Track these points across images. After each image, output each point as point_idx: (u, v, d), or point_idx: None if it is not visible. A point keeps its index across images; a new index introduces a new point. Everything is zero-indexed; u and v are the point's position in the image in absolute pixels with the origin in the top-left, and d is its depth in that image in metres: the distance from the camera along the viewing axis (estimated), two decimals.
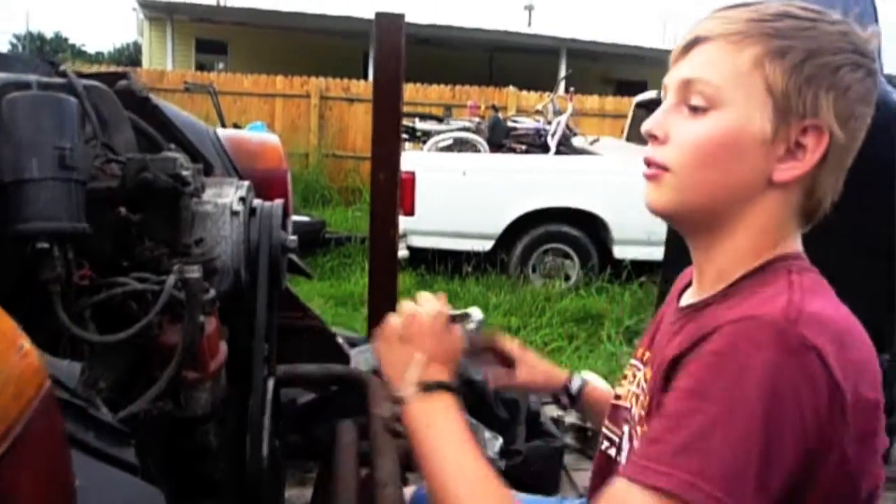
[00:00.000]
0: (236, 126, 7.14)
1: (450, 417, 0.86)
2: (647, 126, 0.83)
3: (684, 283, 0.96)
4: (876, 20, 1.86)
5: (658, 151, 0.82)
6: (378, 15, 2.34)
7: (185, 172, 1.04)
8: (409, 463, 1.36)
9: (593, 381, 1.19)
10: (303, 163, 9.83)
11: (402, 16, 2.32)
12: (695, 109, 0.79)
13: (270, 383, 1.18)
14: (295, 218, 6.98)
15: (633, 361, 0.97)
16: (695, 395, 0.68)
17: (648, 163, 0.83)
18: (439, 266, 5.93)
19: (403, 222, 5.96)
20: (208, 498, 1.04)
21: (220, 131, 1.83)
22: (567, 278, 6.03)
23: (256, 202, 1.23)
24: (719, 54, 0.79)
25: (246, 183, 1.24)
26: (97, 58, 30.87)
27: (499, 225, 5.78)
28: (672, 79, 0.83)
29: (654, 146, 0.83)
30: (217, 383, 1.03)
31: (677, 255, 1.01)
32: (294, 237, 1.24)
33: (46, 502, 0.44)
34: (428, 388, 0.89)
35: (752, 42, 0.77)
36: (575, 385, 1.17)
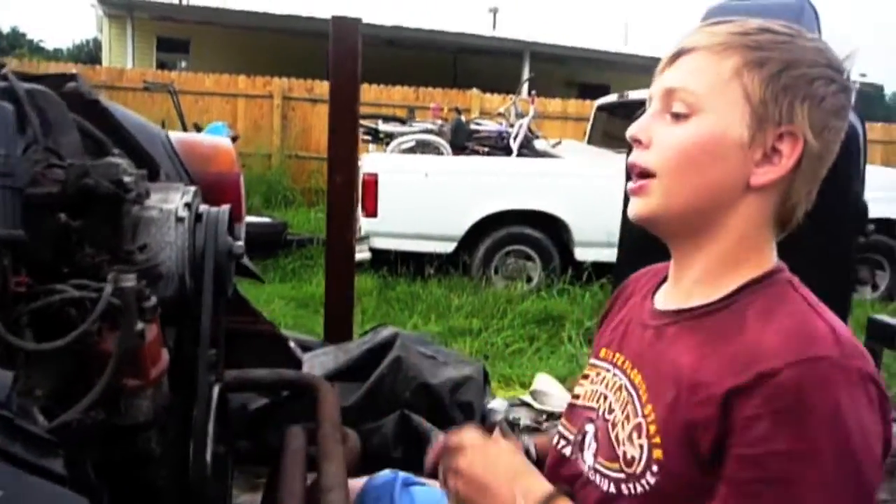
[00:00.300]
0: (197, 126, 7.05)
1: None
2: (631, 131, 0.86)
3: (648, 283, 0.98)
4: (818, 33, 1.90)
5: (641, 156, 0.85)
6: (334, 19, 2.34)
7: (127, 178, 1.04)
8: (355, 468, 1.37)
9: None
10: (265, 164, 9.77)
11: (358, 20, 2.33)
12: (677, 116, 0.84)
13: (216, 389, 1.18)
14: (257, 219, 6.96)
15: (595, 362, 0.98)
16: (793, 458, 0.70)
17: (632, 167, 0.86)
18: (402, 268, 5.94)
19: (366, 224, 5.99)
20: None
21: (172, 134, 1.82)
22: (529, 280, 6.08)
23: (203, 207, 1.22)
24: (702, 64, 0.83)
25: (192, 188, 1.24)
26: (56, 54, 30.26)
27: (461, 227, 5.81)
28: (656, 88, 0.87)
29: (637, 150, 0.86)
30: (159, 390, 1.03)
31: (630, 256, 1.04)
32: (241, 243, 1.24)
33: None
34: None
35: (733, 53, 0.82)
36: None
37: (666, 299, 0.91)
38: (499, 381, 4.02)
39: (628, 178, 0.89)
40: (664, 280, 0.96)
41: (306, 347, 2.52)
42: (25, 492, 0.57)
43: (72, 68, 10.43)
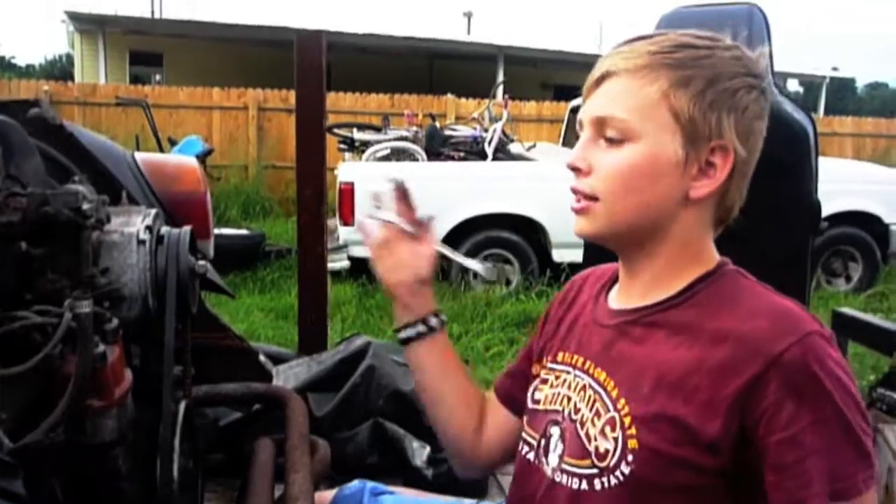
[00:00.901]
0: (171, 140, 7.05)
1: (423, 368, 1.07)
2: (570, 161, 0.90)
3: (595, 284, 1.01)
4: (768, 37, 1.96)
5: (583, 182, 0.89)
6: (298, 33, 2.38)
7: (86, 205, 1.07)
8: (325, 477, 1.41)
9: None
10: (242, 175, 9.75)
11: (321, 33, 2.37)
12: (611, 141, 0.87)
13: (182, 405, 1.21)
14: (234, 231, 6.95)
15: (553, 366, 0.98)
16: (822, 426, 0.77)
17: (575, 192, 0.90)
18: None
19: (344, 233, 6.02)
20: None
21: (139, 155, 1.85)
22: (508, 283, 6.14)
23: (164, 229, 1.26)
24: (626, 89, 0.87)
25: (153, 211, 1.27)
26: (28, 70, 30.02)
27: (438, 232, 5.80)
28: (586, 114, 0.90)
29: (578, 178, 0.90)
30: (123, 409, 1.06)
31: (596, 257, 1.07)
32: (203, 262, 1.27)
33: None
34: (402, 342, 1.07)
35: (657, 74, 0.86)
36: (443, 314, 1.08)
37: (620, 300, 0.95)
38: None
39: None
40: (613, 281, 0.99)
41: (281, 359, 2.55)
42: None
43: (44, 85, 10.38)
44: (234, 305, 5.57)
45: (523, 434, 0.99)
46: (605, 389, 0.88)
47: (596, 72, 0.90)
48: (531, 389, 1.01)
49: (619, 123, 0.86)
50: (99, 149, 1.68)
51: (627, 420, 0.84)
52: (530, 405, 1.00)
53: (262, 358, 1.77)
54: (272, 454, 1.35)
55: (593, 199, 0.88)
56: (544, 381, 0.99)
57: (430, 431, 2.23)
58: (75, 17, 13.65)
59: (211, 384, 1.59)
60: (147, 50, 14.96)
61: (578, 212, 0.90)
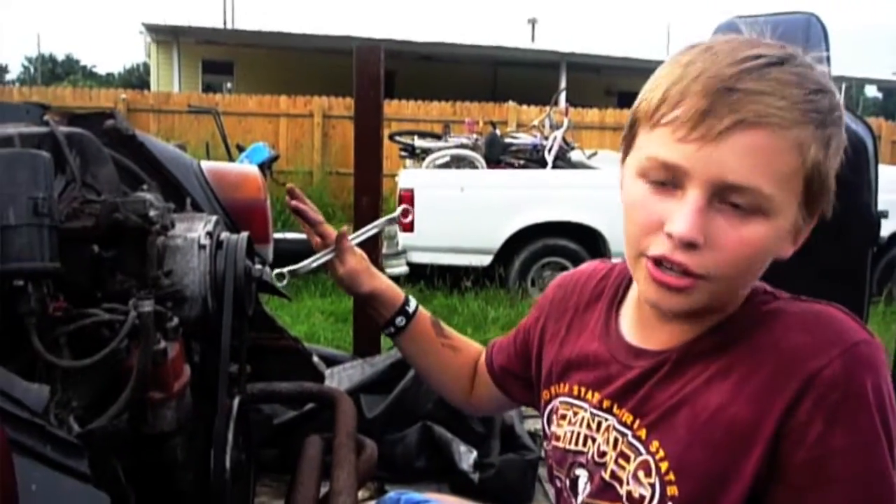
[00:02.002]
0: (240, 147, 7.28)
1: (406, 354, 1.19)
2: (687, 233, 0.71)
3: (605, 295, 0.93)
4: (827, 47, 1.94)
5: (694, 258, 0.72)
6: (357, 46, 2.46)
7: (153, 212, 1.16)
8: (366, 476, 1.47)
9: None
10: (307, 181, 9.99)
11: (380, 46, 2.44)
12: (739, 211, 0.72)
13: (236, 401, 1.29)
14: (297, 236, 7.15)
15: (569, 400, 0.92)
16: (852, 451, 0.69)
17: (679, 266, 0.73)
18: (439, 281, 6.04)
19: (403, 238, 6.10)
20: None
21: (204, 164, 1.95)
22: None
23: (224, 235, 1.34)
24: (773, 151, 0.70)
25: (214, 217, 1.35)
26: (108, 79, 31.25)
27: (497, 240, 5.88)
28: (706, 171, 0.70)
29: (685, 251, 0.72)
30: (182, 402, 1.14)
31: None
32: (259, 266, 1.35)
33: None
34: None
35: (804, 135, 0.71)
36: (412, 305, 1.17)
37: (641, 337, 0.86)
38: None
39: (658, 263, 0.75)
40: (618, 296, 0.92)
41: (336, 361, 2.63)
42: (54, 487, 0.69)
43: (122, 93, 10.84)
44: (295, 308, 5.72)
45: (550, 463, 0.95)
46: (631, 430, 0.82)
47: (720, 114, 0.69)
48: (547, 417, 0.97)
49: (756, 198, 0.70)
50: (168, 158, 1.78)
51: (664, 465, 0.77)
52: (551, 440, 0.94)
53: (315, 359, 1.85)
54: (321, 451, 1.42)
55: (701, 277, 0.73)
56: (563, 417, 0.92)
57: (477, 436, 2.28)
58: (152, 29, 14.24)
59: (266, 382, 1.67)
60: (219, 59, 15.48)
61: (675, 288, 0.74)
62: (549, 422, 0.96)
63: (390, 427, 2.25)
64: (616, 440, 0.83)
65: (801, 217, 0.75)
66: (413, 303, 1.17)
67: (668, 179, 0.73)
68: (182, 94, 11.33)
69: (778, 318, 0.76)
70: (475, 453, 2.17)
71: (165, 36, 14.27)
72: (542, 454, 2.46)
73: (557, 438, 0.92)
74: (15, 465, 0.62)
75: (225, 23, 15.89)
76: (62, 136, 1.25)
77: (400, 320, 1.16)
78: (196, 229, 1.30)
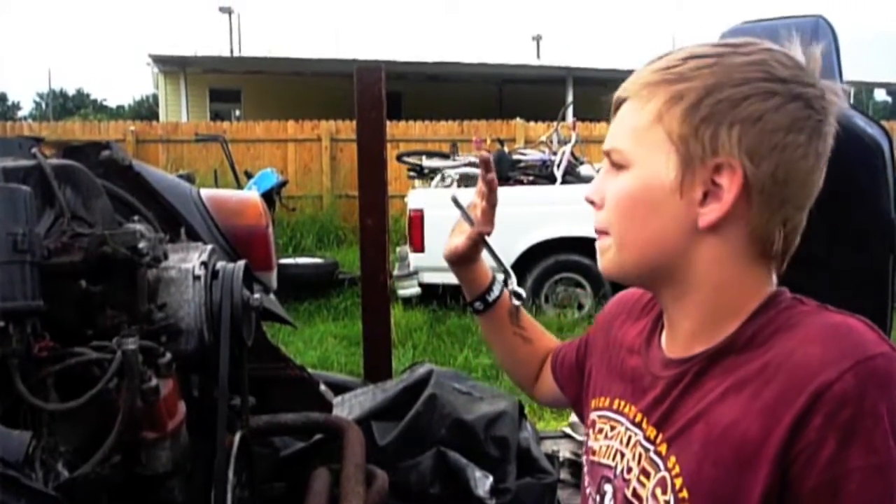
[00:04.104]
0: (248, 174, 7.28)
1: (485, 331, 1.18)
2: (586, 193, 0.85)
3: (644, 315, 0.93)
4: (836, 49, 1.88)
5: (596, 216, 0.83)
6: (358, 67, 2.43)
7: (142, 244, 1.11)
8: None
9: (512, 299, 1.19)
10: (317, 205, 9.99)
11: (380, 67, 2.41)
12: (615, 170, 0.81)
13: (238, 436, 1.24)
14: (308, 260, 7.10)
15: (609, 414, 0.91)
16: (869, 473, 0.65)
17: (595, 229, 0.84)
18: (451, 301, 5.99)
19: (414, 259, 6.07)
20: None
21: (203, 191, 1.91)
22: (580, 307, 6.06)
23: (220, 264, 1.29)
24: (629, 116, 0.80)
25: (209, 247, 1.31)
26: (118, 111, 31.59)
27: (509, 257, 5.83)
28: (605, 144, 0.83)
29: (595, 212, 0.83)
30: (177, 440, 1.09)
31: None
32: (258, 296, 1.30)
33: None
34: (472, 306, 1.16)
35: (655, 93, 0.77)
36: (494, 293, 1.16)
37: (668, 348, 0.85)
38: (551, 412, 4.00)
39: None
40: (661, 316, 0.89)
41: (347, 388, 2.57)
42: None
43: (130, 125, 10.91)
44: (308, 333, 5.68)
45: (585, 478, 0.94)
46: (654, 445, 0.80)
47: (615, 97, 0.83)
48: (588, 434, 0.96)
49: (618, 155, 0.80)
50: (165, 187, 1.75)
51: (679, 482, 0.75)
52: (589, 455, 0.93)
53: (322, 388, 1.79)
54: (328, 484, 1.36)
55: (605, 233, 0.82)
56: (600, 431, 0.91)
57: (493, 461, 2.21)
58: (159, 60, 14.36)
59: (271, 414, 1.61)
60: (226, 87, 15.60)
61: (599, 251, 0.84)
62: (588, 440, 0.96)
63: (403, 454, 2.18)
64: (640, 456, 0.81)
65: (683, 173, 0.75)
66: (497, 289, 1.17)
67: None
68: (190, 124, 11.40)
69: (797, 329, 0.73)
70: (491, 479, 2.10)
71: (172, 66, 14.39)
72: (559, 477, 2.38)
73: (593, 452, 0.91)
74: None
75: (231, 51, 16.01)
76: (50, 168, 1.21)
77: (478, 305, 1.17)
78: (190, 259, 1.25)
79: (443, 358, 5.11)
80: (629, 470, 0.82)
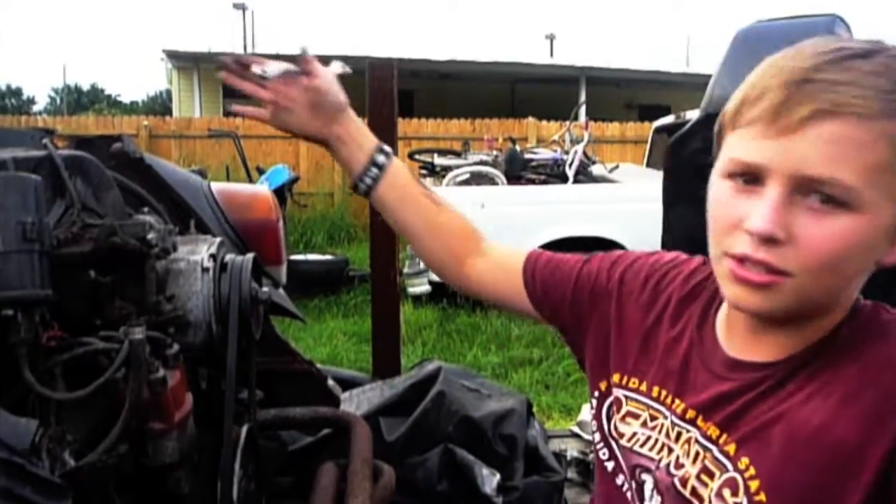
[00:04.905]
0: (259, 169, 7.30)
1: (386, 207, 1.04)
2: (764, 228, 0.68)
3: (696, 295, 0.87)
4: None
5: (776, 254, 0.69)
6: (370, 63, 2.43)
7: (151, 235, 1.12)
8: (381, 503, 1.41)
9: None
10: (328, 202, 10.00)
11: (392, 63, 2.41)
12: (826, 205, 0.68)
13: (244, 429, 1.24)
14: (319, 257, 7.10)
15: (646, 401, 0.87)
16: None
17: (759, 264, 0.70)
18: (461, 300, 5.98)
19: None
20: None
21: (214, 185, 1.92)
22: None
23: (229, 257, 1.29)
24: (858, 142, 0.66)
25: (218, 239, 1.31)
26: (132, 107, 31.72)
27: None
28: (784, 164, 0.68)
29: (768, 247, 0.69)
30: (184, 432, 1.09)
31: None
32: (266, 289, 1.30)
33: None
34: (364, 194, 1.04)
35: (888, 122, 0.66)
36: (387, 148, 1.06)
37: (738, 348, 0.81)
38: (560, 411, 4.00)
39: (741, 263, 0.72)
40: (718, 299, 0.85)
41: (356, 383, 2.57)
42: None
43: (144, 120, 10.96)
44: (318, 329, 5.69)
45: (603, 455, 0.91)
46: (717, 445, 0.77)
47: (798, 104, 0.67)
48: (607, 409, 0.92)
49: (838, 190, 0.66)
50: (177, 180, 1.75)
51: (754, 485, 0.72)
52: (613, 434, 0.90)
53: (330, 383, 1.79)
54: (335, 478, 1.36)
55: (784, 274, 0.69)
56: (634, 416, 0.87)
57: (500, 458, 2.21)
58: (173, 55, 14.42)
59: (279, 408, 1.61)
60: None
61: (757, 285, 0.71)
62: (610, 416, 0.91)
63: (411, 450, 2.18)
64: (698, 454, 0.78)
65: None
66: (386, 147, 1.06)
67: (750, 178, 0.71)
68: (203, 119, 11.43)
69: (891, 334, 0.72)
70: (498, 476, 2.10)
71: (186, 62, 14.44)
72: (567, 476, 2.38)
73: (621, 436, 0.88)
74: None
75: (245, 47, 16.05)
76: (60, 159, 1.22)
77: (382, 158, 1.05)
78: (199, 252, 1.26)
79: (452, 355, 5.10)
80: (678, 465, 0.80)
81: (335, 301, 6.48)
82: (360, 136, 1.06)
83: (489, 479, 2.08)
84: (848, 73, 0.66)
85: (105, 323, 1.10)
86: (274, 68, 1.00)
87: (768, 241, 0.69)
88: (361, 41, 13.50)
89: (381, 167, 1.05)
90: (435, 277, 5.99)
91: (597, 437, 0.93)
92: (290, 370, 1.71)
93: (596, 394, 0.95)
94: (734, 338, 0.81)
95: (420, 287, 6.16)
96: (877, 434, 0.66)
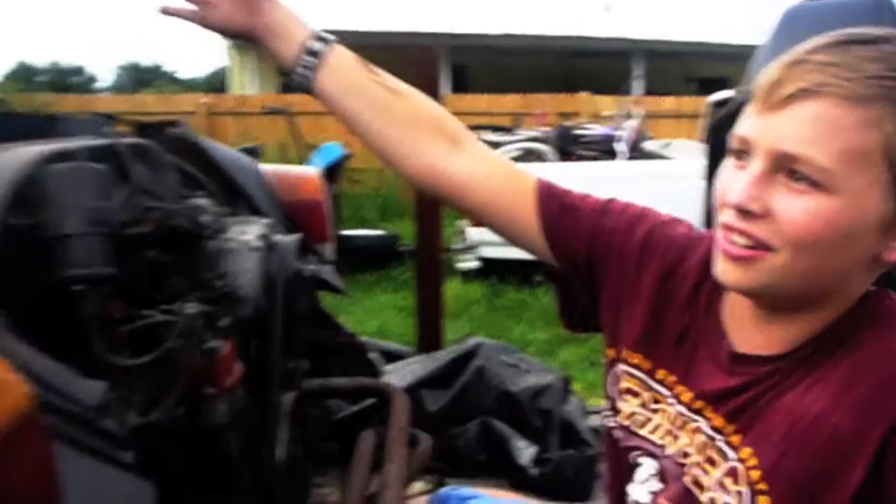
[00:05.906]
0: (311, 146, 7.45)
1: (332, 97, 0.90)
2: (738, 200, 0.70)
3: (707, 276, 0.82)
4: None
5: (757, 226, 0.70)
6: (412, 48, 2.49)
7: (205, 218, 1.22)
8: (419, 469, 1.50)
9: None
10: (380, 179, 10.11)
11: (432, 48, 2.47)
12: (800, 182, 0.68)
13: (290, 396, 1.35)
14: (369, 232, 7.22)
15: (650, 383, 0.86)
16: None
17: (742, 233, 0.71)
18: (510, 276, 6.04)
19: (474, 234, 6.14)
20: (231, 496, 1.21)
21: (264, 167, 2.02)
22: None
23: (277, 237, 1.40)
24: (836, 125, 0.66)
25: (267, 220, 1.41)
26: (191, 83, 32.34)
27: None
28: (765, 141, 0.69)
29: (748, 221, 0.70)
30: (234, 396, 1.20)
31: None
32: (311, 266, 1.40)
33: (33, 486, 0.61)
34: (305, 90, 0.91)
35: (880, 113, 0.66)
36: (323, 41, 0.93)
37: (744, 341, 0.80)
38: (602, 388, 4.03)
39: (728, 233, 0.73)
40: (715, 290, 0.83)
41: (400, 356, 2.68)
42: (98, 476, 0.75)
43: (202, 97, 11.23)
44: (368, 303, 5.82)
45: (610, 423, 0.90)
46: (723, 435, 0.78)
47: (786, 83, 0.68)
48: (612, 379, 0.90)
49: (813, 171, 0.67)
50: (229, 162, 1.86)
51: (755, 474, 0.73)
52: (619, 417, 0.89)
53: (372, 355, 1.90)
54: (373, 445, 1.46)
55: (767, 248, 0.70)
56: (635, 395, 0.87)
57: (536, 431, 2.29)
58: None
59: (324, 378, 1.72)
60: None
61: (739, 259, 0.72)
62: (613, 389, 0.90)
63: (451, 422, 2.28)
64: (704, 444, 0.79)
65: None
66: (327, 35, 0.94)
67: (742, 153, 0.72)
68: (259, 96, 11.64)
69: (890, 324, 0.73)
70: (534, 449, 2.18)
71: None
72: (601, 450, 2.44)
73: (621, 413, 0.88)
74: (62, 455, 0.68)
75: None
76: (123, 147, 1.33)
77: (318, 45, 0.92)
78: (249, 232, 1.36)
79: (499, 331, 5.17)
80: (685, 455, 0.81)
81: (385, 276, 6.59)
82: (291, 23, 0.93)
83: (525, 452, 2.17)
84: (839, 56, 0.67)
85: (163, 298, 1.21)
86: None
87: (746, 213, 0.70)
88: (414, 16, 13.51)
89: (316, 54, 0.91)
90: (484, 253, 6.06)
91: (607, 403, 0.92)
92: (335, 343, 1.82)
93: (605, 359, 0.93)
94: (739, 329, 0.81)
95: (469, 263, 6.23)
96: (871, 423, 0.68)
